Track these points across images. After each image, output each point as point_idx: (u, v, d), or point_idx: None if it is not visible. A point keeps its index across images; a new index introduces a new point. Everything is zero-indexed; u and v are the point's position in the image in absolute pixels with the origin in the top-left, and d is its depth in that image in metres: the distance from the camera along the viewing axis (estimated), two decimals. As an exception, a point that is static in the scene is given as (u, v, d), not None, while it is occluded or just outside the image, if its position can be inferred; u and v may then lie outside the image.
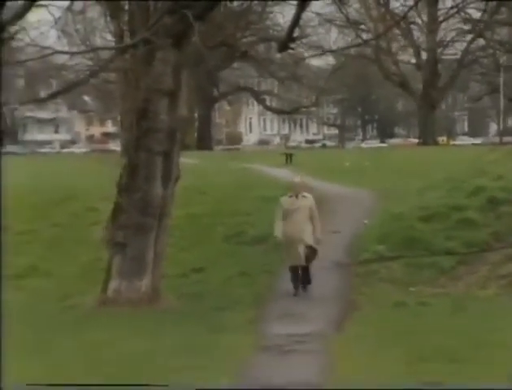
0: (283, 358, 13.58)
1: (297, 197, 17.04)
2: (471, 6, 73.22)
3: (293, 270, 17.15)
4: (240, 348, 13.84)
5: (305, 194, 17.22)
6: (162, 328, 15.39)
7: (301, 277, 17.13)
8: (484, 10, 70.28)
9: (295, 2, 10.65)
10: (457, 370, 11.57)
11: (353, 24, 69.60)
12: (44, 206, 25.55)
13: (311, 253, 17.03)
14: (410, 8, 53.27)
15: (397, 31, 67.89)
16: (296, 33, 13.96)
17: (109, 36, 40.87)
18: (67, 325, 15.92)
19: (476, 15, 72.47)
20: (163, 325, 15.80)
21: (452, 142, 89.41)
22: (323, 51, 64.18)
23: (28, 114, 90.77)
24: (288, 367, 12.90)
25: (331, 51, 68.15)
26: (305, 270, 17.12)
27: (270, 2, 54.05)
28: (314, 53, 61.79)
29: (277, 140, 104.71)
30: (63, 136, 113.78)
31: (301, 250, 16.85)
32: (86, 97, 71.82)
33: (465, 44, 76.28)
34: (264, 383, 11.60)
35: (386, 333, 14.71)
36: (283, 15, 61.86)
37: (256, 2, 49.71)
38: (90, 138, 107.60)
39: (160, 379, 11.18)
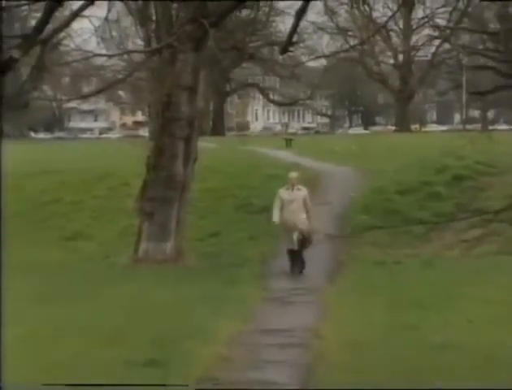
0: (284, 307, 13.64)
1: (292, 189, 16.51)
2: (439, 16, 73.12)
3: (290, 252, 16.55)
4: (249, 299, 13.89)
5: (300, 187, 16.70)
6: (185, 282, 15.42)
7: (297, 260, 16.45)
8: (449, 20, 70.05)
9: (294, 11, 10.73)
10: (426, 315, 11.62)
11: (341, 31, 69.47)
12: (88, 182, 25.55)
13: (305, 239, 16.38)
14: (389, 18, 53.34)
15: (378, 37, 67.64)
16: (294, 39, 13.93)
17: (139, 42, 40.65)
18: (107, 279, 16.00)
19: (443, 23, 72.20)
20: (185, 279, 15.83)
21: (423, 129, 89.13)
22: (318, 56, 64.22)
23: (72, 106, 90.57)
24: (290, 313, 12.96)
25: (326, 56, 67.94)
26: (299, 253, 16.45)
27: (273, 13, 53.80)
28: (311, 58, 61.77)
29: (278, 127, 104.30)
30: (101, 124, 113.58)
31: (296, 237, 16.26)
32: (120, 92, 71.65)
33: (434, 48, 76.12)
34: (269, 327, 11.65)
35: (369, 286, 14.76)
36: (284, 24, 61.75)
37: (261, 12, 49.41)
38: (123, 126, 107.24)
39: (184, 324, 11.22)
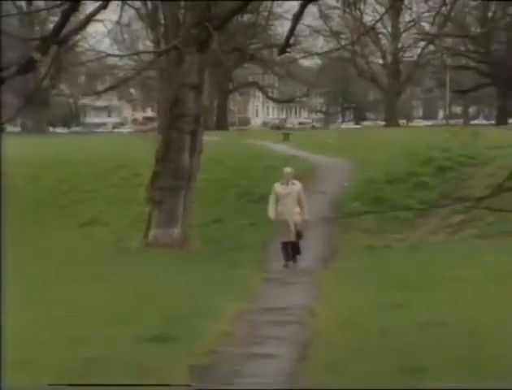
0: (283, 287, 13.65)
1: (287, 184, 15.99)
2: (425, 20, 72.96)
3: (284, 245, 16.03)
4: (250, 280, 13.89)
5: (294, 181, 16.18)
6: (191, 265, 15.44)
7: (292, 251, 15.97)
8: (433, 24, 70.08)
9: (291, 15, 10.67)
10: (413, 296, 11.59)
11: (334, 34, 69.28)
12: (102, 172, 25.49)
13: (299, 231, 15.92)
14: (377, 20, 53.18)
15: (368, 39, 67.48)
16: (292, 41, 13.83)
17: (148, 43, 40.58)
18: (119, 262, 15.99)
19: (429, 27, 72.13)
20: (191, 262, 15.84)
21: (410, 124, 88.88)
22: (312, 54, 64.22)
23: (88, 102, 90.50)
24: (287, 294, 12.97)
25: (318, 54, 68.00)
26: (295, 245, 16.00)
27: (271, 17, 53.70)
28: (303, 56, 61.79)
29: (277, 122, 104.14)
30: (114, 119, 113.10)
31: (292, 229, 15.81)
32: (132, 90, 71.59)
33: (420, 49, 75.97)
34: (269, 306, 11.65)
35: (361, 269, 14.74)
36: (282, 27, 61.50)
37: (261, 16, 49.42)
38: (134, 121, 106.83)
39: (190, 304, 11.19)
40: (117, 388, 7.19)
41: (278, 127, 71.07)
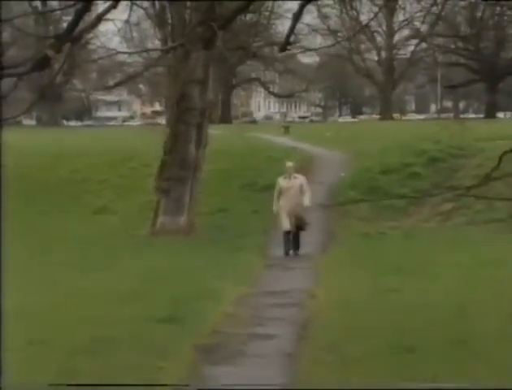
0: (284, 272, 13.67)
1: (290, 177, 15.85)
2: (418, 19, 72.81)
3: (286, 235, 15.76)
4: (253, 265, 13.91)
5: (297, 175, 16.08)
6: (196, 251, 15.43)
7: (293, 242, 15.70)
8: (424, 22, 70.04)
9: (291, 15, 10.65)
10: (407, 280, 11.59)
11: (332, 32, 69.20)
12: (113, 163, 25.46)
13: (302, 223, 15.68)
14: (371, 19, 53.61)
15: (364, 37, 67.38)
16: (292, 39, 13.81)
17: (156, 41, 40.42)
18: (129, 248, 16.00)
19: (421, 26, 72.03)
20: (197, 249, 15.84)
21: (403, 117, 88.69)
22: (310, 49, 64.50)
23: (99, 97, 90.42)
24: (288, 278, 12.99)
25: (315, 50, 68.22)
26: (296, 236, 15.74)
27: (273, 16, 53.59)
28: (302, 50, 61.70)
29: (278, 116, 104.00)
30: (124, 113, 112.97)
31: (293, 220, 15.56)
32: (141, 85, 71.50)
33: (412, 47, 75.87)
34: (270, 289, 11.66)
35: (357, 255, 14.76)
36: (282, 26, 61.52)
37: (263, 16, 49.29)
38: (143, 115, 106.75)
39: (196, 287, 11.19)
40: (117, 388, 7.01)
41: (251, 122, 75.83)
